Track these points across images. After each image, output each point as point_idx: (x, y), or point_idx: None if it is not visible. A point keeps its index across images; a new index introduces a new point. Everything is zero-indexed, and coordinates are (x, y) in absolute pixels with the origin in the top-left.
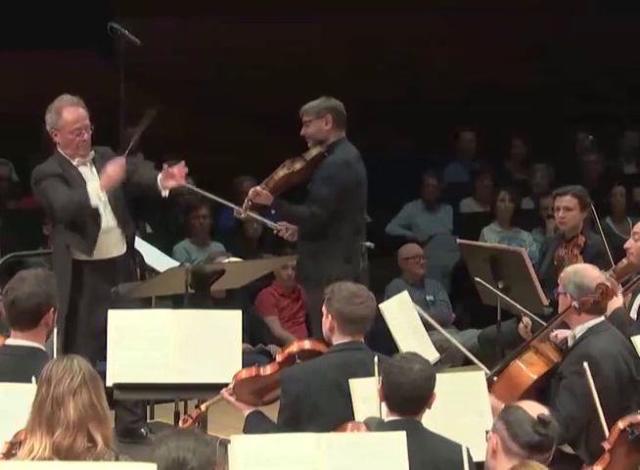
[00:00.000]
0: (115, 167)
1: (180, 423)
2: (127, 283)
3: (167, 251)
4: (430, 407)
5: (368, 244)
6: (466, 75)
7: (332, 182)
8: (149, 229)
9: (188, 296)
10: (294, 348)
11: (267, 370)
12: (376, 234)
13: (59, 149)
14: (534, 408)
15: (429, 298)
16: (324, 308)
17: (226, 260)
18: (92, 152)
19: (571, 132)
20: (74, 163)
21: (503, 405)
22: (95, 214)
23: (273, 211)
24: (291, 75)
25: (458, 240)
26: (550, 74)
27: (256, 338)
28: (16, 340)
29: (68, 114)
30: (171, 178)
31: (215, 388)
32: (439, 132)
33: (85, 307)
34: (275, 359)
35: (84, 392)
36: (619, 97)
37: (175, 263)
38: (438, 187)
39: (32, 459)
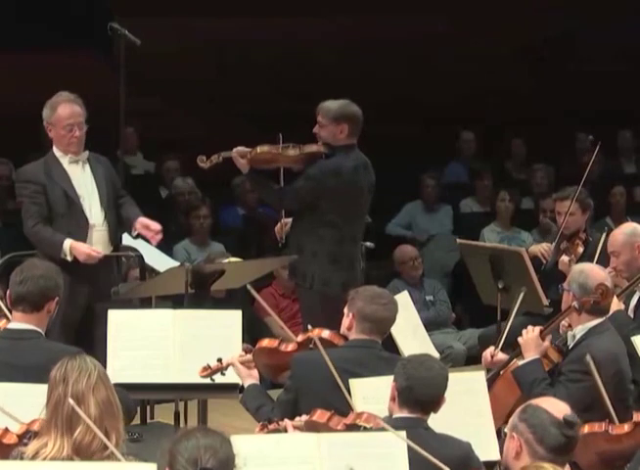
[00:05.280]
0: (90, 258)
1: (199, 372)
2: (127, 283)
3: (167, 251)
4: (436, 412)
5: (368, 244)
6: (466, 75)
7: (310, 181)
8: None
9: (188, 296)
10: (313, 333)
11: (287, 347)
12: (376, 234)
13: (53, 146)
14: (554, 405)
15: (428, 298)
16: (346, 309)
17: (226, 260)
18: (87, 152)
19: (571, 132)
20: (65, 162)
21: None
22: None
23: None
24: (291, 75)
25: (458, 240)
26: (549, 75)
27: (256, 338)
28: (17, 324)
29: (63, 109)
30: (145, 230)
31: (215, 388)
32: (439, 132)
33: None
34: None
35: (102, 388)
36: (619, 97)
37: (175, 263)
38: (438, 187)
39: (44, 457)
